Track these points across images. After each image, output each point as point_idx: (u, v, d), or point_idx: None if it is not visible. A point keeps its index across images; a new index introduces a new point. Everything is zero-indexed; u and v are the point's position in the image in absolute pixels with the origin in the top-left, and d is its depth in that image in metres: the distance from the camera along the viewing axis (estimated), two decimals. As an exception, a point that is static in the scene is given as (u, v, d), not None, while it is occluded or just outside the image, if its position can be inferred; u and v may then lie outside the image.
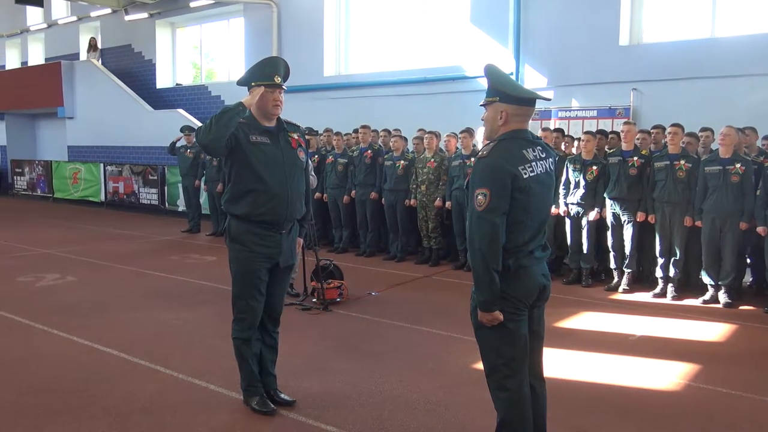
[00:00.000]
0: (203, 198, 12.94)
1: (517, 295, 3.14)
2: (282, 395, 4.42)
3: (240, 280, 4.25)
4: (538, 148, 3.19)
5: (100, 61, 19.42)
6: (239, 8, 16.19)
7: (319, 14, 14.45)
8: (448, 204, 9.18)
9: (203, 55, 19.11)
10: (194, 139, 12.56)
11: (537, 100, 3.25)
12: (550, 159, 3.23)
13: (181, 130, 12.66)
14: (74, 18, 20.65)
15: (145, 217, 15.22)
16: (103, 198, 17.00)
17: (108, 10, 18.89)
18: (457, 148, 9.51)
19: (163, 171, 15.31)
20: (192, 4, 16.74)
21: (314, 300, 7.12)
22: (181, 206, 14.19)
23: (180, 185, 13.61)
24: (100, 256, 9.97)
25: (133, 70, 18.99)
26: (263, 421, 4.18)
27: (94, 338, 5.81)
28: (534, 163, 3.13)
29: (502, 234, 3.04)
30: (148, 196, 15.77)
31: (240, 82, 4.26)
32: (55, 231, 12.95)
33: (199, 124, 15.41)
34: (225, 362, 5.15)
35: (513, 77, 3.20)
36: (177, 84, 18.52)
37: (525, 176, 3.07)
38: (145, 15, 18.19)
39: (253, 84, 4.12)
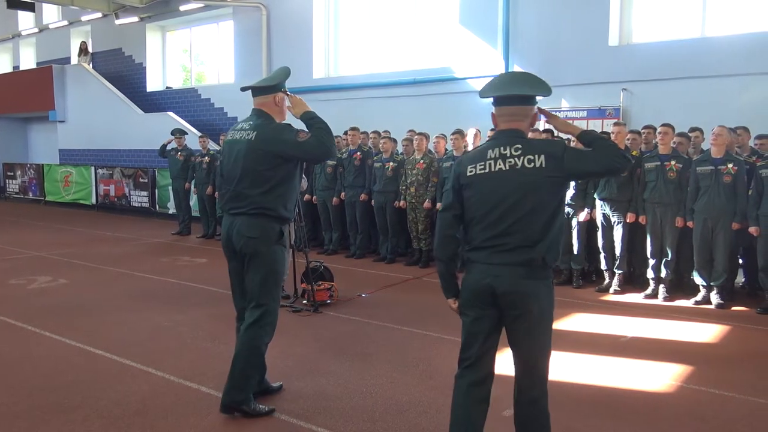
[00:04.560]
0: (193, 200, 12.91)
1: (465, 288, 3.23)
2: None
3: (281, 283, 4.36)
4: (516, 146, 3.11)
5: (90, 64, 19.37)
6: (228, 11, 16.18)
7: (308, 16, 14.45)
8: (438, 205, 9.18)
9: (193, 58, 19.07)
10: (185, 142, 12.57)
11: (522, 96, 3.19)
12: (531, 156, 3.07)
13: (172, 133, 12.65)
14: (65, 22, 20.60)
15: (136, 219, 15.20)
16: (94, 201, 16.97)
17: (98, 15, 18.86)
18: (447, 149, 9.52)
19: (154, 174, 15.29)
20: (182, 8, 16.72)
21: (304, 302, 7.11)
22: (172, 209, 14.17)
23: (170, 188, 13.58)
24: (91, 259, 9.94)
25: (123, 73, 18.95)
26: (254, 423, 4.16)
27: (86, 340, 5.79)
28: (492, 161, 3.12)
29: (449, 228, 3.28)
30: (139, 198, 15.74)
31: (278, 87, 4.32)
32: (47, 234, 12.90)
33: (190, 126, 15.42)
34: (217, 364, 5.15)
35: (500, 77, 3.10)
36: (167, 87, 18.48)
37: (468, 173, 3.18)
38: (135, 19, 18.16)
39: (285, 90, 4.34)
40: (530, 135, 3.31)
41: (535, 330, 3.13)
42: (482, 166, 3.14)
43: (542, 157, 3.06)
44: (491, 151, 3.14)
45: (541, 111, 3.34)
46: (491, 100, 3.25)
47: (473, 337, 3.21)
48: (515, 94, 3.20)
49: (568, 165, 3.06)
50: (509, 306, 3.09)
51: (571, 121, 10.50)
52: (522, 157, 3.08)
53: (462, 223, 3.26)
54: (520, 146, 3.11)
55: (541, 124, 10.74)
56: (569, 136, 4.09)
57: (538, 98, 3.24)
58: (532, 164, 3.06)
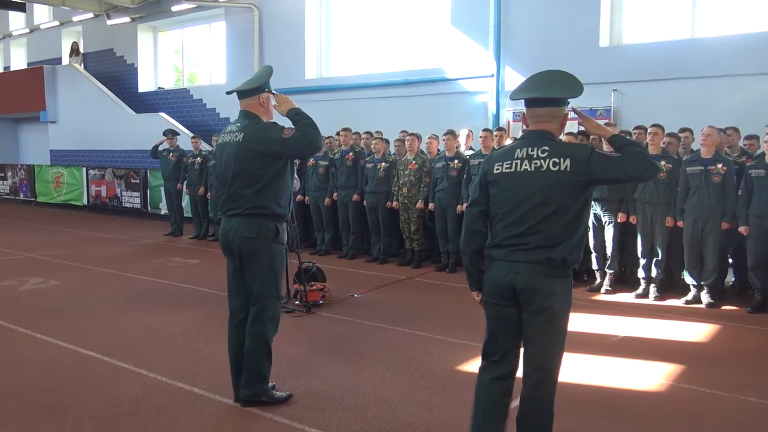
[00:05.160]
0: (185, 201, 12.89)
1: (487, 284, 3.30)
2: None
3: (280, 280, 4.41)
4: (543, 147, 3.16)
5: (82, 65, 19.33)
6: (221, 12, 16.17)
7: (300, 17, 14.45)
8: (430, 206, 9.20)
9: (185, 58, 19.04)
10: (177, 143, 12.55)
11: (540, 98, 3.25)
12: (556, 159, 3.11)
13: (164, 134, 12.63)
14: (56, 23, 20.54)
15: (128, 220, 15.15)
16: (85, 202, 16.90)
17: (90, 15, 18.82)
18: (439, 150, 9.54)
19: (146, 174, 15.25)
20: (174, 8, 16.70)
21: (297, 302, 7.11)
22: (164, 209, 14.14)
23: (162, 188, 13.57)
24: (83, 260, 9.92)
25: (115, 74, 18.91)
26: (247, 424, 4.18)
27: (77, 342, 5.77)
28: (518, 161, 3.18)
29: (474, 223, 3.36)
30: (131, 199, 15.70)
31: (262, 87, 4.35)
32: (38, 235, 12.86)
33: (181, 127, 15.40)
34: (209, 365, 5.16)
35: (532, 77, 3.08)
36: (159, 88, 18.46)
37: (495, 171, 3.24)
38: (127, 19, 18.13)
39: (270, 89, 4.37)
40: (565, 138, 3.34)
41: (550, 327, 3.18)
42: (508, 165, 3.21)
43: (567, 160, 3.10)
44: (519, 150, 3.21)
45: (574, 111, 3.39)
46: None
47: (495, 333, 3.30)
48: (537, 96, 3.24)
49: (593, 170, 3.09)
50: (527, 302, 3.16)
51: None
52: (548, 160, 3.12)
53: (488, 218, 3.34)
54: (547, 148, 3.15)
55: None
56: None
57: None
58: (557, 167, 3.10)
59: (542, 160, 3.13)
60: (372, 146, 10.01)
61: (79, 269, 9.30)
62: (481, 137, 8.93)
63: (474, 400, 3.36)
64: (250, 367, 4.32)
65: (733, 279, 8.08)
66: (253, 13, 15.14)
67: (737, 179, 7.21)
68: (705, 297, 7.32)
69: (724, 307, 7.27)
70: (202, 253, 10.76)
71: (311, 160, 10.36)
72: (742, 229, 7.08)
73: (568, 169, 3.09)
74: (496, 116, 11.42)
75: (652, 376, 5.12)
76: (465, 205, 8.25)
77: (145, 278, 8.70)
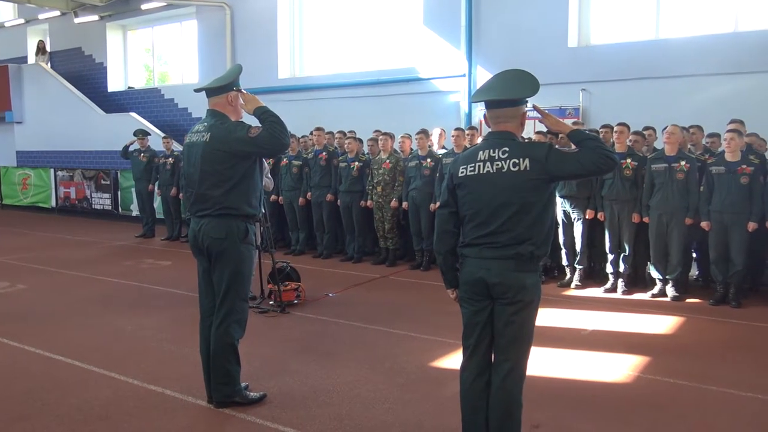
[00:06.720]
0: (157, 202, 12.80)
1: (461, 281, 3.42)
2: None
3: (248, 281, 4.40)
4: (504, 149, 3.25)
5: (49, 64, 19.03)
6: (192, 11, 16.04)
7: (272, 16, 14.41)
8: (404, 204, 9.26)
9: (156, 57, 18.88)
10: (148, 143, 12.46)
11: (496, 100, 3.31)
12: (516, 159, 3.20)
13: (135, 134, 12.52)
14: (21, 21, 20.19)
15: (98, 222, 14.99)
16: (54, 204, 16.67)
17: (57, 13, 18.50)
18: (412, 149, 9.60)
19: (116, 175, 15.09)
20: (143, 7, 16.51)
21: (271, 302, 7.12)
22: (135, 211, 14.02)
23: (133, 190, 13.45)
24: (51, 263, 9.81)
25: (83, 73, 18.67)
26: (221, 425, 4.20)
27: (46, 346, 5.73)
28: (481, 163, 3.27)
29: (446, 224, 3.48)
30: (101, 201, 15.53)
31: (230, 86, 4.35)
32: (5, 238, 12.68)
33: (153, 127, 15.27)
34: (181, 367, 5.15)
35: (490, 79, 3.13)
36: (129, 87, 18.26)
37: (460, 174, 3.34)
38: (95, 17, 17.88)
39: (238, 88, 4.36)
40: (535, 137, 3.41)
41: (520, 319, 3.29)
42: (472, 168, 3.30)
43: (527, 160, 3.20)
44: (482, 152, 3.30)
45: (535, 109, 3.49)
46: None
47: (472, 328, 3.39)
48: (493, 99, 3.32)
49: (552, 168, 3.19)
50: (499, 295, 3.27)
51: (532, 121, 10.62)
52: (508, 161, 3.22)
53: (458, 219, 3.43)
54: (507, 149, 3.25)
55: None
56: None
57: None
58: (517, 168, 3.20)
59: (503, 161, 3.23)
60: (345, 146, 10.02)
61: (48, 273, 9.21)
62: (453, 136, 8.99)
63: (460, 400, 3.46)
64: (217, 369, 4.32)
65: (696, 273, 8.26)
66: (224, 12, 15.06)
67: (699, 176, 7.38)
68: (670, 290, 7.48)
69: (688, 300, 7.45)
70: (174, 254, 10.71)
71: (284, 160, 10.36)
72: (704, 224, 7.25)
73: (528, 169, 3.19)
74: (468, 115, 11.50)
75: (620, 368, 5.23)
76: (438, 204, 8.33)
77: (116, 281, 8.64)
